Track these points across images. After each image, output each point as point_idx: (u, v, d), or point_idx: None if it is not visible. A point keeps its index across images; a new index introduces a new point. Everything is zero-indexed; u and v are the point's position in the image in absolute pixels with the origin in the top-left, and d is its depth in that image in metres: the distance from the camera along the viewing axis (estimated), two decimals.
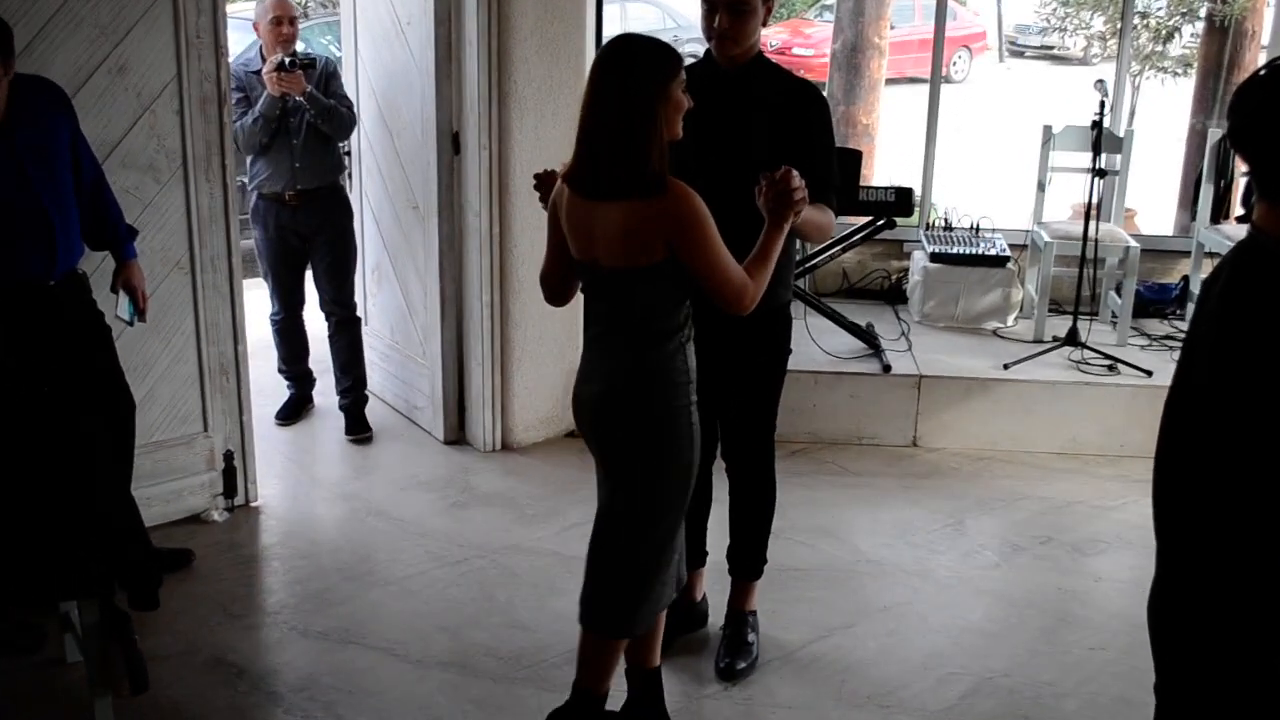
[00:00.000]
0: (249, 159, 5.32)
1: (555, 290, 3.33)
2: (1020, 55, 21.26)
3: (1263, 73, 2.09)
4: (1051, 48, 19.83)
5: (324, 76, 5.23)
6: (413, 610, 4.17)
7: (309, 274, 5.56)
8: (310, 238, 5.36)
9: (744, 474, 3.86)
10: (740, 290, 3.01)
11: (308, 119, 5.15)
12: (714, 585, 4.07)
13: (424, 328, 5.49)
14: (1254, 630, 2.16)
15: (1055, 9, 12.30)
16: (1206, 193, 6.53)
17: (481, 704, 3.67)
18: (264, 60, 5.11)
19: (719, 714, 3.64)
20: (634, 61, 2.96)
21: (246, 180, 5.39)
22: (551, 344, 5.43)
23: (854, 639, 4.05)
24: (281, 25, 5.12)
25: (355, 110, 5.40)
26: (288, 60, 5.03)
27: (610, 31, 5.61)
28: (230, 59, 4.63)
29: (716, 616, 4.03)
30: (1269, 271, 2.07)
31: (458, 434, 5.51)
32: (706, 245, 2.95)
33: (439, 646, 3.95)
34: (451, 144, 5.20)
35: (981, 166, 10.82)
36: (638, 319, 3.09)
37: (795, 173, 3.04)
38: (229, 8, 4.56)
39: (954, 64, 17.65)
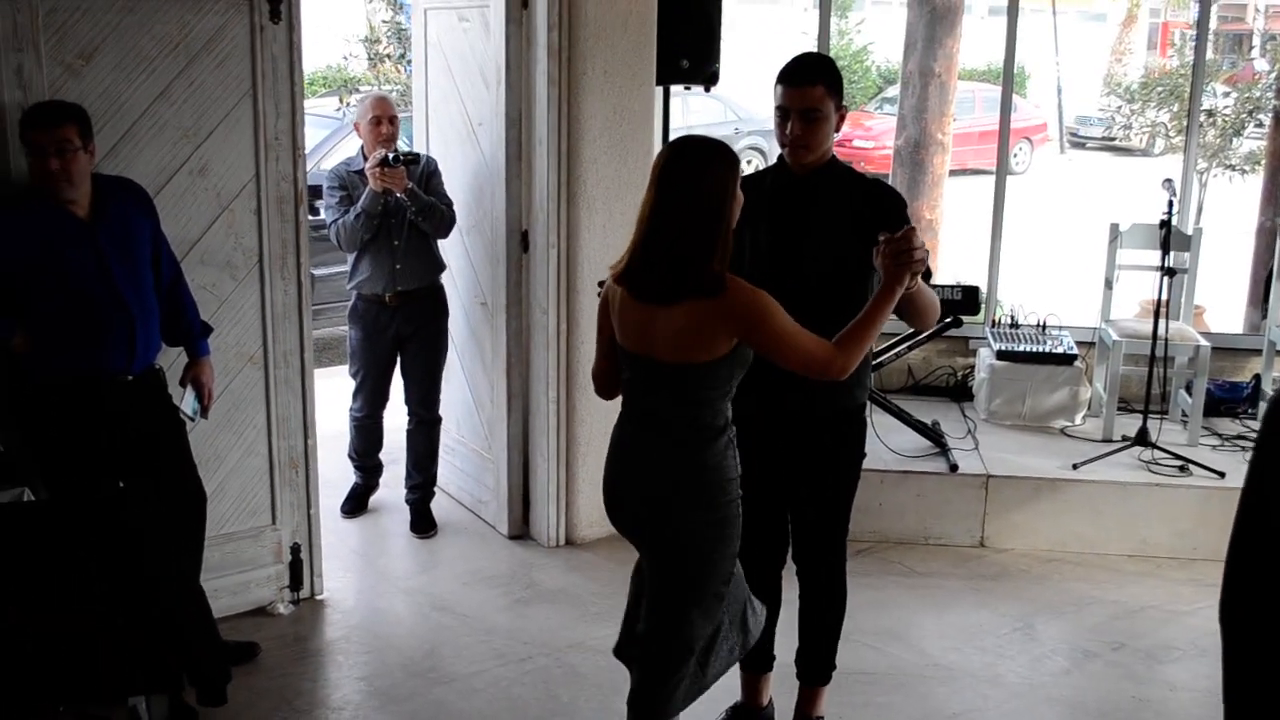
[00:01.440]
0: (350, 259, 5.38)
1: (608, 384, 3.36)
2: (1081, 146, 21.27)
3: None
4: (1113, 139, 19.85)
5: (425, 174, 5.30)
6: (476, 709, 4.15)
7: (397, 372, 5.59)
8: (408, 339, 5.41)
9: (815, 577, 3.83)
10: (828, 360, 3.04)
11: (409, 217, 5.20)
12: (781, 689, 4.02)
13: (490, 422, 5.52)
14: None
15: (1120, 107, 12.27)
16: (1277, 290, 6.47)
17: None
18: (365, 159, 5.20)
19: None
20: (701, 163, 3.02)
21: (347, 280, 5.45)
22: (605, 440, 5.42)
23: None
24: (381, 125, 5.20)
25: (453, 209, 5.40)
26: (391, 156, 5.09)
27: (675, 125, 5.69)
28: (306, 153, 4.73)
29: None
30: None
31: (522, 529, 5.51)
32: (779, 329, 3.00)
33: None
34: (521, 242, 5.27)
35: (1046, 261, 10.78)
36: (692, 413, 3.11)
37: (915, 230, 3.07)
38: (305, 103, 4.65)
39: (1015, 155, 17.70)
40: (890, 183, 9.51)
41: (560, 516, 5.41)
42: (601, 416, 5.31)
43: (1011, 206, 7.01)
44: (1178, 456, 5.71)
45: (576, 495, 5.42)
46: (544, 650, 4.53)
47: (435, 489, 5.69)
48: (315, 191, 5.24)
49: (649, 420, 3.19)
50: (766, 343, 3.01)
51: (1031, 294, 7.98)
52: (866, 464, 5.37)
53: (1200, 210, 9.40)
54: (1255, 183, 9.53)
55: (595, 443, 5.37)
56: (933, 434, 5.83)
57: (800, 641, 3.89)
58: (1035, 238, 11.45)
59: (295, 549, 4.78)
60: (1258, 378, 6.56)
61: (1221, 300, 8.46)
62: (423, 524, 5.54)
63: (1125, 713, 4.27)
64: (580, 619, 4.78)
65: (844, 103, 3.47)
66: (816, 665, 3.90)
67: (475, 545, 5.44)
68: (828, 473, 3.67)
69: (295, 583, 4.81)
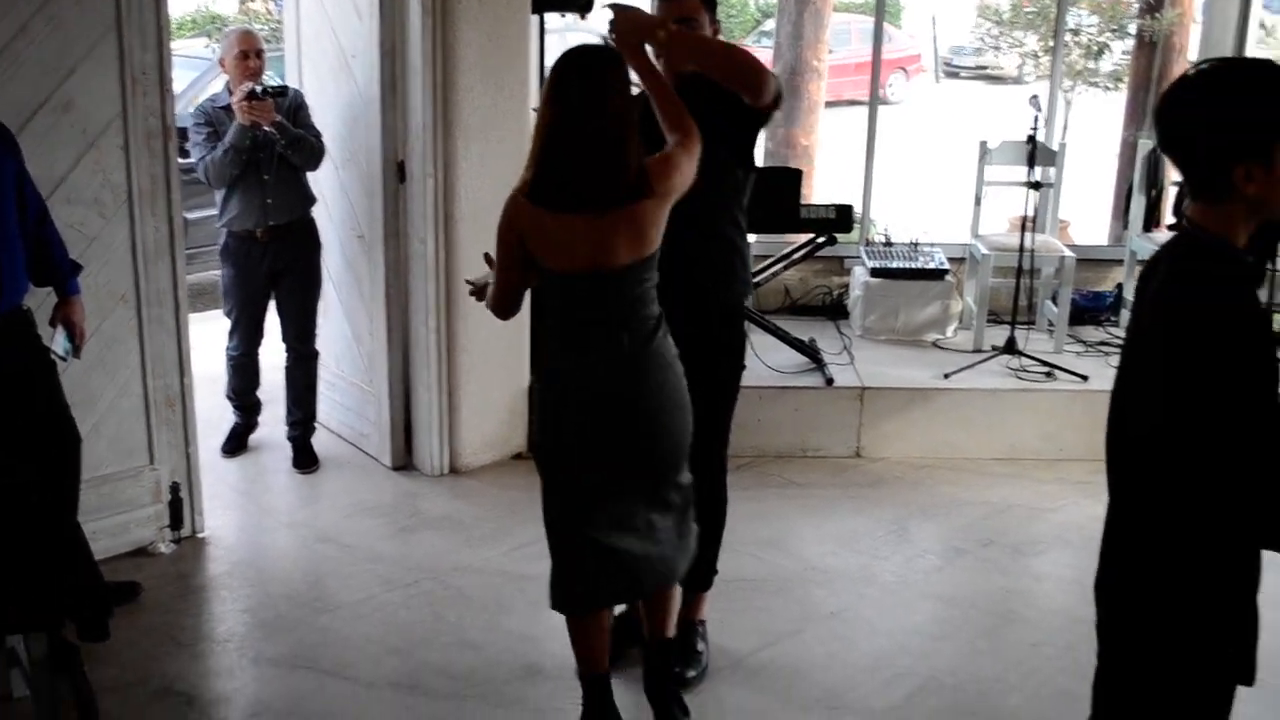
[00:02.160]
0: (219, 196, 5.31)
1: (512, 307, 3.37)
2: (955, 76, 21.54)
3: (1188, 76, 2.15)
4: (986, 68, 20.13)
5: (292, 107, 5.24)
6: (362, 634, 4.18)
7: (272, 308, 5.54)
8: (281, 274, 5.36)
9: (698, 487, 3.89)
10: (691, 137, 3.18)
11: (278, 151, 5.14)
12: None
13: (370, 355, 5.52)
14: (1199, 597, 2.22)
15: (989, 29, 12.49)
16: (1138, 203, 6.68)
17: None
18: (231, 95, 5.11)
19: None
20: (611, 69, 3.11)
21: (216, 218, 5.37)
22: (498, 368, 5.47)
23: (802, 645, 4.10)
24: (248, 59, 5.12)
25: (323, 140, 5.34)
26: (258, 89, 5.03)
27: (551, 60, 5.67)
28: (176, 92, 4.64)
29: None
30: (1208, 263, 2.15)
31: (405, 459, 5.53)
32: (677, 164, 3.15)
33: (389, 668, 3.97)
34: (397, 173, 5.25)
35: (920, 184, 10.95)
36: (645, 308, 3.23)
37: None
38: (173, 44, 4.57)
39: (890, 86, 17.87)
40: None
41: (444, 445, 5.43)
42: (483, 345, 5.35)
43: (888, 134, 7.14)
44: (1044, 363, 5.91)
45: (460, 424, 5.44)
46: (430, 575, 4.57)
47: (316, 424, 5.67)
48: (184, 134, 5.16)
49: (598, 328, 3.22)
50: (684, 182, 3.15)
51: (905, 215, 8.13)
52: (746, 381, 5.48)
53: (1066, 127, 9.60)
54: (1119, 100, 9.79)
55: (477, 371, 5.40)
56: (809, 350, 5.95)
57: None
58: (910, 162, 11.61)
59: (175, 488, 4.74)
60: (1120, 287, 6.78)
61: (1086, 214, 8.70)
62: (304, 460, 5.53)
63: (994, 602, 4.44)
64: (465, 543, 4.82)
65: (717, 18, 3.54)
66: (698, 571, 3.96)
67: (358, 478, 5.44)
68: (710, 380, 3.72)
69: (175, 522, 4.77)
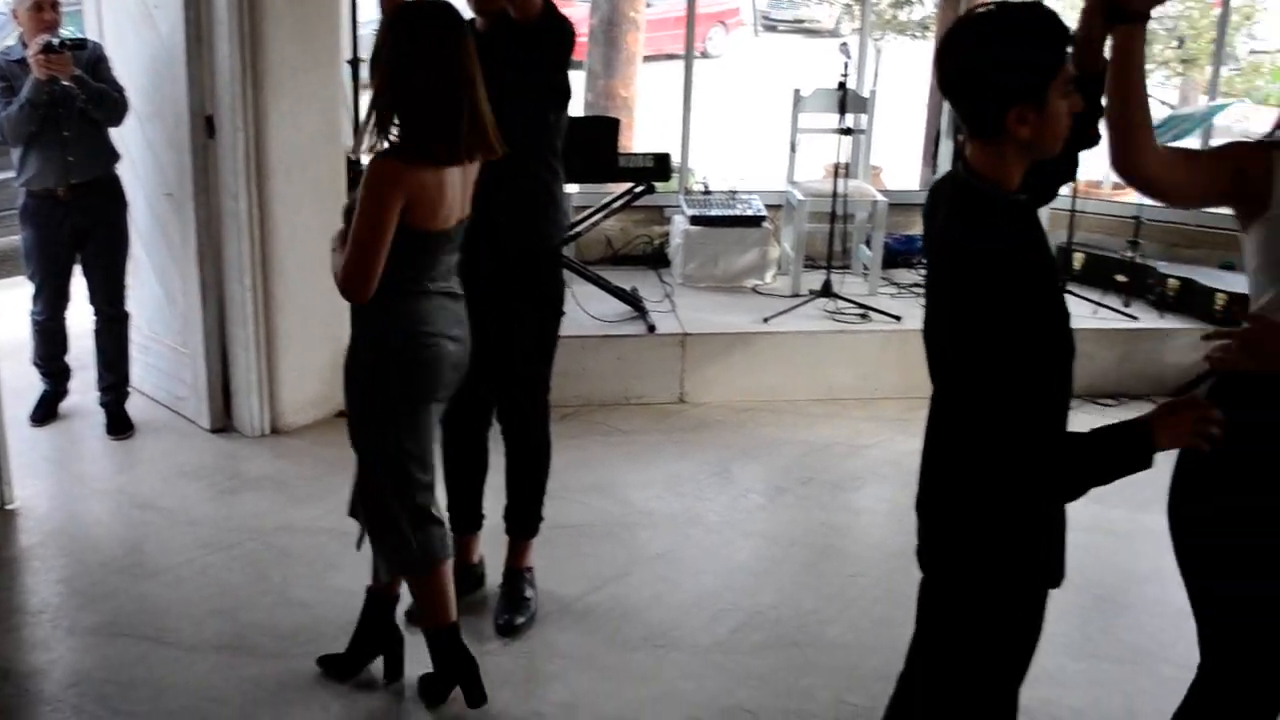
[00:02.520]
0: (16, 155, 5.07)
1: (376, 279, 3.16)
2: (774, 29, 21.78)
3: (964, 20, 2.21)
4: (803, 21, 20.40)
5: (92, 60, 5.02)
6: (184, 598, 4.10)
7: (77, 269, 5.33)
8: (85, 234, 5.16)
9: (520, 433, 3.93)
10: None
11: (79, 106, 4.94)
12: (490, 547, 4.13)
13: (184, 316, 5.38)
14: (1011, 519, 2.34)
15: None
16: (946, 147, 6.90)
17: (259, 682, 3.64)
18: (25, 48, 4.90)
19: (500, 669, 3.69)
20: (456, 24, 3.12)
21: (15, 178, 5.13)
22: (318, 325, 5.38)
23: (629, 587, 4.16)
24: (43, 10, 4.89)
25: (125, 95, 5.14)
26: (55, 41, 4.81)
27: (365, 12, 5.56)
28: None
29: (495, 577, 4.09)
30: (982, 207, 2.22)
31: (224, 421, 5.41)
32: None
33: (213, 630, 3.91)
34: (205, 127, 5.11)
35: (738, 134, 11.09)
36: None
37: None
38: None
39: (710, 39, 18.00)
40: (586, 62, 9.65)
41: (264, 406, 5.34)
42: (301, 303, 5.26)
43: (708, 86, 7.21)
44: (859, 305, 6.07)
45: (280, 383, 5.35)
46: (252, 535, 4.50)
47: (129, 389, 5.50)
48: None
49: (446, 280, 3.30)
50: None
51: (724, 164, 8.26)
52: (569, 330, 5.50)
53: (877, 75, 9.82)
54: (928, 48, 10.03)
55: (296, 329, 5.31)
56: (631, 299, 6.00)
57: (508, 497, 4.00)
58: (729, 113, 11.75)
59: None
60: None
61: (898, 160, 8.92)
62: (118, 426, 5.37)
63: (815, 536, 4.58)
64: (288, 503, 4.76)
65: None
66: (523, 519, 4.01)
67: (176, 442, 5.31)
68: (525, 323, 3.74)
69: None
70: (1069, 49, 2.17)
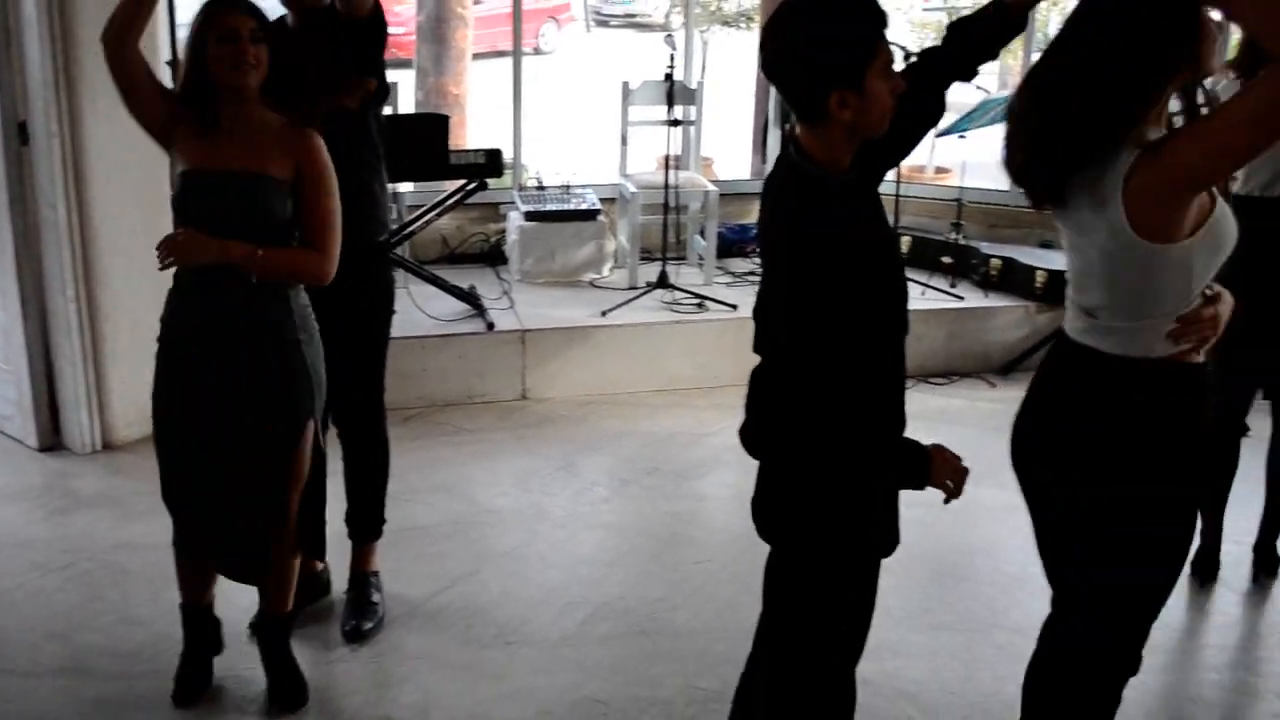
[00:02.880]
0: None
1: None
2: (606, 24, 21.84)
3: (785, 5, 2.24)
4: (635, 15, 20.50)
5: None
6: (16, 623, 3.96)
7: None
8: None
9: (357, 435, 3.89)
10: None
11: None
12: (335, 554, 4.08)
13: (4, 332, 5.19)
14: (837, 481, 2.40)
15: None
16: (775, 136, 7.02)
17: (101, 704, 3.54)
18: None
19: (350, 675, 3.66)
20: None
21: None
22: (148, 334, 5.20)
23: (478, 584, 4.16)
24: None
25: None
26: None
27: (183, 13, 5.42)
28: None
29: (340, 584, 4.04)
30: (811, 191, 2.28)
31: (52, 439, 5.23)
32: None
33: (49, 654, 3.78)
34: (18, 134, 4.93)
35: (572, 129, 11.11)
36: None
37: None
38: None
39: (542, 35, 17.97)
40: (415, 60, 9.57)
41: (94, 421, 5.18)
42: (129, 311, 5.11)
43: (541, 82, 7.21)
44: (695, 295, 6.16)
45: (110, 396, 5.20)
46: (87, 555, 4.37)
47: None
48: None
49: None
50: None
51: (558, 159, 8.27)
52: (408, 331, 5.53)
53: (704, 67, 9.94)
54: (752, 38, 10.18)
55: (124, 341, 5.16)
56: (469, 297, 5.98)
57: (349, 501, 3.95)
58: (562, 108, 11.78)
59: None
60: None
61: (729, 150, 9.05)
62: None
63: (660, 526, 4.64)
64: (123, 519, 4.63)
65: None
66: (366, 521, 3.97)
67: (1, 462, 5.13)
68: (353, 325, 3.69)
69: None
70: (885, 31, 2.22)
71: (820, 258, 2.21)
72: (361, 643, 3.79)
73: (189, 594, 3.53)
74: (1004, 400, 5.89)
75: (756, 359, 2.44)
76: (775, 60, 2.26)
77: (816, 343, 2.25)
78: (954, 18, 2.62)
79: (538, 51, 17.41)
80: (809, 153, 2.29)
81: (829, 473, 2.37)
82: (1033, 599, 3.82)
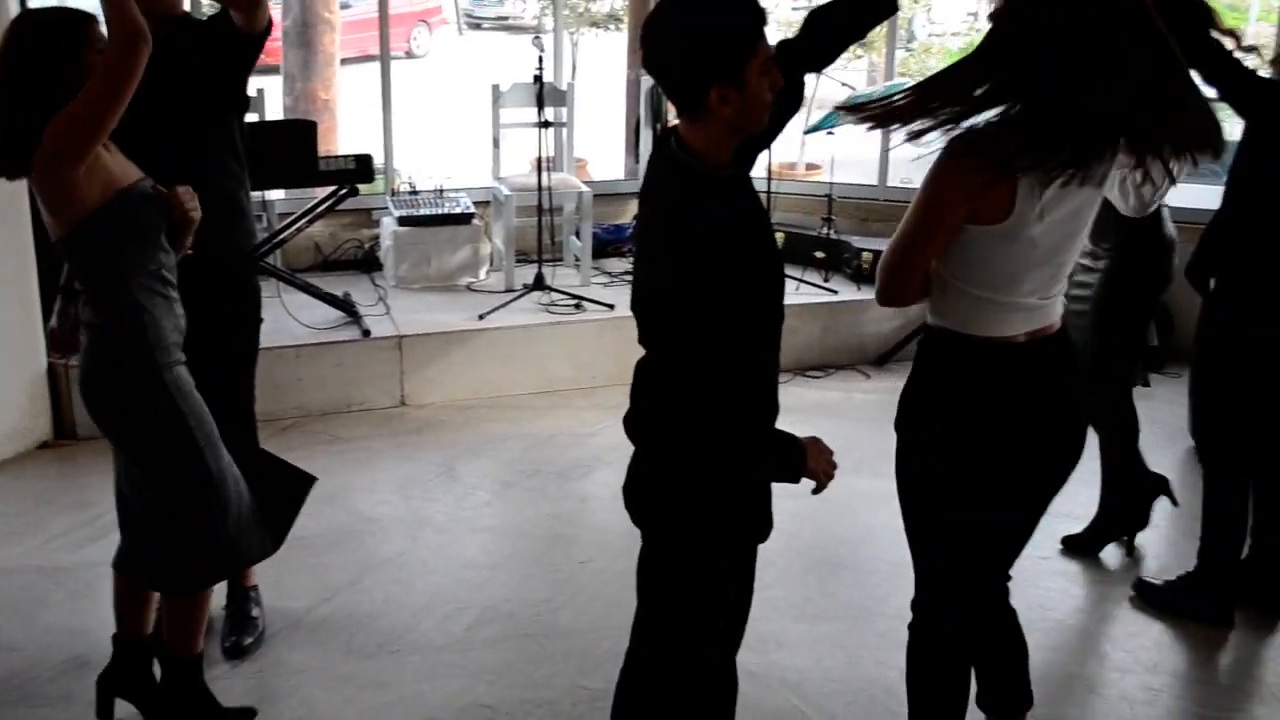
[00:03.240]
0: None
1: None
2: (478, 27, 21.74)
3: (664, 2, 2.26)
4: (507, 18, 20.42)
5: None
6: None
7: None
8: None
9: (230, 448, 3.80)
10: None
11: None
12: None
13: None
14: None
15: None
16: (646, 136, 7.04)
17: None
18: None
19: (231, 691, 3.58)
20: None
21: None
22: (8, 352, 5.10)
23: (360, 594, 4.12)
24: None
25: None
26: None
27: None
28: None
29: (219, 598, 3.96)
30: (690, 185, 2.30)
31: None
32: None
33: None
34: None
35: (445, 133, 11.03)
36: None
37: None
38: None
39: (414, 39, 17.82)
40: (282, 66, 9.42)
41: None
42: None
43: (413, 86, 7.13)
44: (572, 296, 6.16)
45: None
46: None
47: None
48: None
49: None
50: (70, 145, 2.86)
51: (432, 163, 8.20)
52: (282, 340, 5.46)
53: (575, 68, 9.95)
54: (621, 39, 10.20)
55: None
56: (343, 304, 5.91)
57: None
58: (436, 112, 11.67)
59: None
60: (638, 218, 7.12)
61: (603, 151, 9.05)
62: None
63: (543, 527, 4.64)
64: None
65: None
66: None
67: None
68: (222, 338, 3.60)
69: None
70: (765, 28, 2.25)
71: (702, 251, 2.23)
72: (242, 658, 3.73)
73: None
74: (879, 391, 6.01)
75: (635, 357, 2.46)
76: (656, 55, 2.27)
77: (697, 333, 2.27)
78: (813, 7, 2.68)
79: (410, 55, 17.26)
80: (690, 146, 2.31)
81: (703, 462, 2.40)
82: (911, 585, 3.93)
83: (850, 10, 2.62)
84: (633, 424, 2.50)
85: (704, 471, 2.41)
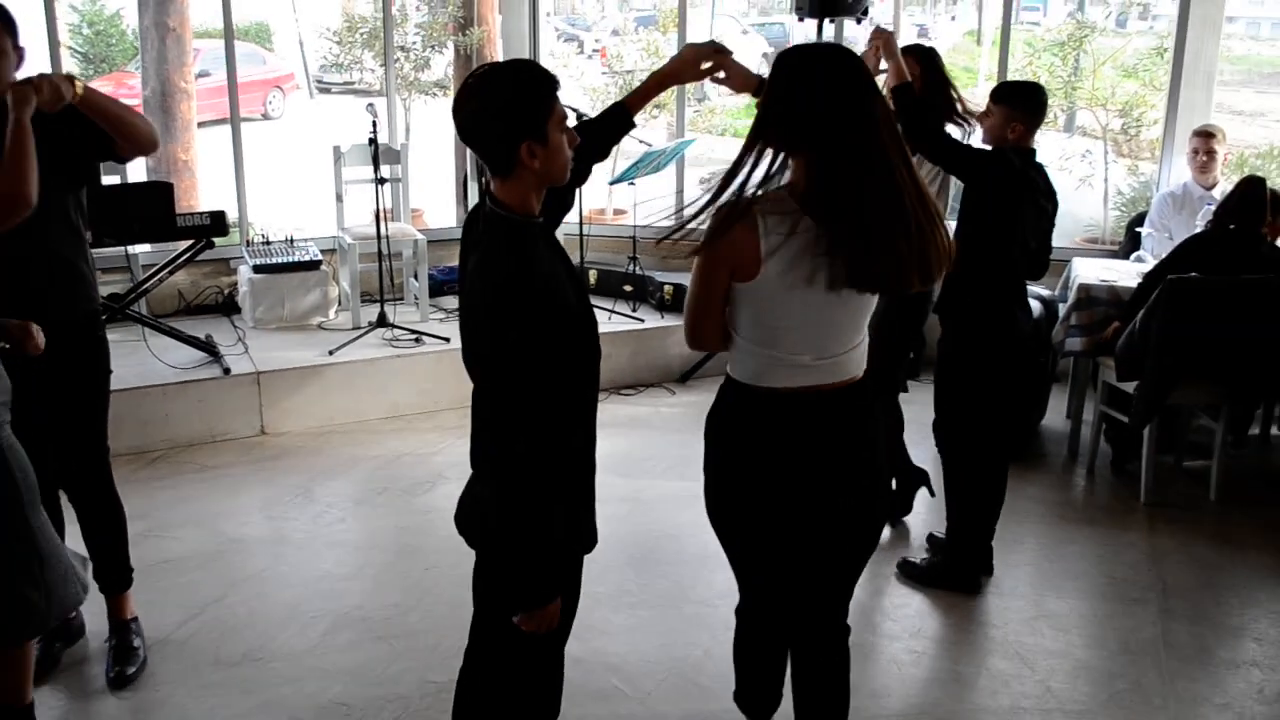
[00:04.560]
0: None
1: None
2: (328, 91, 21.26)
3: (469, 80, 2.25)
4: (353, 83, 20.03)
5: None
6: None
7: None
8: None
9: (88, 497, 3.56)
10: None
11: None
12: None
13: None
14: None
15: (339, 51, 12.46)
16: (473, 188, 6.98)
17: None
18: None
19: (106, 708, 3.39)
20: None
21: None
22: None
23: (225, 609, 3.96)
24: None
25: None
26: None
27: None
28: None
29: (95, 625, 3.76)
30: (508, 235, 2.26)
31: None
32: None
33: None
34: None
35: (297, 188, 10.76)
36: None
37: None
38: None
39: (270, 102, 17.35)
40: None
41: None
42: None
43: (269, 146, 6.91)
44: (412, 331, 6.06)
45: None
46: None
47: None
48: None
49: None
50: None
51: (285, 217, 7.99)
52: (150, 380, 5.27)
53: (408, 129, 9.83)
54: (446, 104, 10.08)
55: None
56: (205, 345, 5.70)
57: (93, 558, 3.55)
58: (288, 169, 11.37)
59: None
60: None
61: (438, 201, 8.95)
62: None
63: (392, 539, 4.54)
64: None
65: (21, 45, 3.15)
66: (114, 574, 3.66)
67: None
68: (74, 390, 3.40)
69: None
70: (558, 91, 2.26)
71: (516, 295, 2.20)
72: (125, 687, 3.50)
73: None
74: (683, 405, 6.08)
75: (467, 384, 2.42)
76: (468, 124, 2.25)
77: (517, 372, 2.23)
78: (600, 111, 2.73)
79: (266, 117, 16.81)
80: (504, 203, 2.29)
81: (516, 492, 2.30)
82: (714, 574, 3.98)
83: (604, 128, 2.70)
84: (472, 452, 2.45)
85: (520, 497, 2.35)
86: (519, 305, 2.20)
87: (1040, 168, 3.94)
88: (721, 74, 2.87)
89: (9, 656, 2.96)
